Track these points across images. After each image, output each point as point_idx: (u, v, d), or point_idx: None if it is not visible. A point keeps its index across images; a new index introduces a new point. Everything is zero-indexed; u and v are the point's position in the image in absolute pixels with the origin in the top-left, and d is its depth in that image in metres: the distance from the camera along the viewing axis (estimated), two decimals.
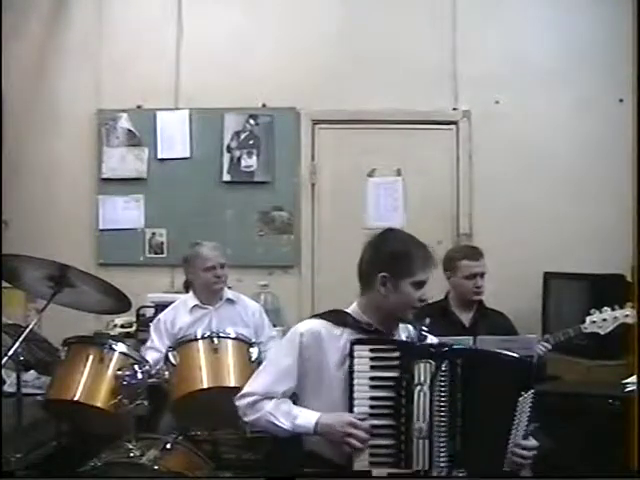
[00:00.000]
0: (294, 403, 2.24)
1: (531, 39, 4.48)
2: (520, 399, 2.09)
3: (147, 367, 2.86)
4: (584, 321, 3.10)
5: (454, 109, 4.52)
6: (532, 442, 2.15)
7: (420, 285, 2.22)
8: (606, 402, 3.14)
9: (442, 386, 2.06)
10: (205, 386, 2.89)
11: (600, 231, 4.31)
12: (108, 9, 4.66)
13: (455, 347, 2.17)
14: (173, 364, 2.92)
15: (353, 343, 2.09)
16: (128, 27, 4.65)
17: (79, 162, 4.68)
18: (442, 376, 2.07)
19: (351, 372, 2.08)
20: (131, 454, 2.68)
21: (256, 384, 2.25)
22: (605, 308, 3.08)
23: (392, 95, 4.50)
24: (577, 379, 3.62)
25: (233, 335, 3.05)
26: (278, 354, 2.30)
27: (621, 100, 4.37)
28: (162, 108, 4.62)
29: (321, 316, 2.31)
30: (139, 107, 4.66)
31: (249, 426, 2.32)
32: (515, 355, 2.21)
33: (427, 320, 2.32)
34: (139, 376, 2.78)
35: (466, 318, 3.35)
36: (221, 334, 3.03)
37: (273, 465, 2.31)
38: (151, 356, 3.27)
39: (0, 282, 3.06)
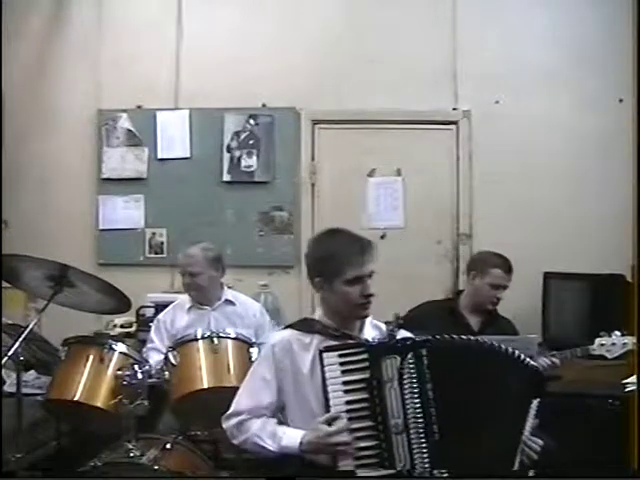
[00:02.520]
0: (281, 414, 2.27)
1: (531, 39, 4.48)
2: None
3: (147, 367, 2.86)
4: (591, 338, 3.09)
5: (454, 109, 4.52)
6: (538, 441, 2.17)
7: (355, 282, 2.22)
8: (606, 402, 3.14)
9: (411, 379, 2.07)
10: (205, 386, 2.89)
11: (600, 231, 4.31)
12: (108, 9, 4.66)
13: (419, 339, 2.16)
14: (173, 364, 2.92)
15: (321, 351, 2.11)
16: (128, 27, 4.65)
17: (79, 162, 4.68)
18: (409, 369, 2.07)
19: (323, 379, 2.09)
20: (131, 454, 2.69)
21: (240, 403, 2.29)
22: (616, 332, 3.06)
23: (392, 95, 4.50)
24: (577, 379, 3.61)
25: (233, 335, 3.06)
26: (256, 369, 2.33)
27: (621, 100, 4.37)
28: (162, 108, 4.62)
29: (291, 326, 2.36)
30: (139, 107, 4.66)
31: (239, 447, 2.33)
32: (486, 341, 2.20)
33: (398, 314, 2.31)
34: (139, 376, 2.79)
35: (475, 322, 3.33)
36: (221, 334, 3.04)
37: (273, 465, 2.30)
38: (154, 357, 3.27)
39: (0, 282, 3.07)
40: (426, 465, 2.04)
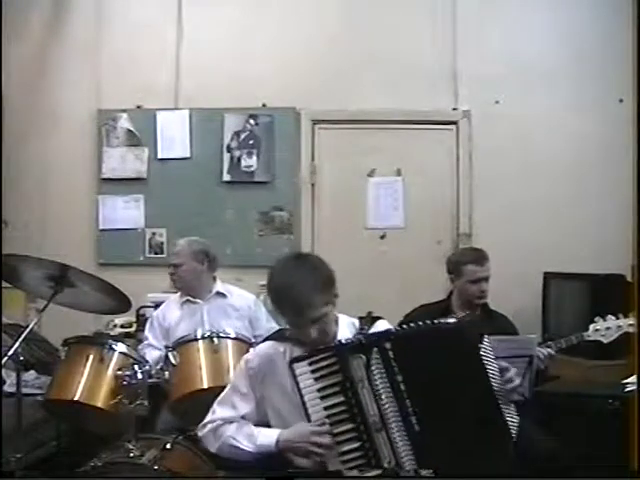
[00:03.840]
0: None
1: (531, 39, 4.49)
2: (479, 352, 2.08)
3: (147, 367, 2.86)
4: (586, 327, 3.09)
5: (454, 109, 4.52)
6: (510, 373, 2.13)
7: (306, 324, 2.10)
8: (606, 402, 3.14)
9: (380, 374, 2.06)
10: (205, 386, 2.89)
11: (600, 231, 4.31)
12: (108, 9, 4.66)
13: (380, 332, 2.16)
14: (173, 364, 2.92)
15: (291, 362, 2.10)
16: (128, 27, 4.65)
17: (79, 162, 4.68)
18: (377, 365, 2.06)
19: (299, 390, 2.08)
20: (131, 454, 2.68)
21: (214, 413, 2.28)
22: (609, 316, 3.05)
23: (392, 95, 4.50)
24: (577, 379, 3.61)
25: (233, 335, 3.06)
26: (232, 383, 2.33)
27: (621, 100, 4.37)
28: (162, 108, 4.63)
29: (268, 338, 2.38)
30: (139, 107, 4.66)
31: (216, 454, 2.32)
32: (447, 320, 2.19)
33: (371, 312, 2.29)
34: (139, 376, 2.78)
35: None
36: (221, 334, 3.04)
37: (273, 465, 2.30)
38: (150, 354, 3.28)
39: (0, 282, 3.06)
40: (411, 458, 2.04)
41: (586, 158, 4.42)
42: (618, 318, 3.04)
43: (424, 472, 2.04)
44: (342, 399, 2.07)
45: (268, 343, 2.32)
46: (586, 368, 3.67)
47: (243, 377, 2.27)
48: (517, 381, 2.13)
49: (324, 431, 2.06)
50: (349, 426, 2.06)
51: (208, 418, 2.28)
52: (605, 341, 3.05)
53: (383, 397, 2.06)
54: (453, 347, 2.09)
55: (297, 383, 2.08)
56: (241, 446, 2.18)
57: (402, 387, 2.06)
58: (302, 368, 2.08)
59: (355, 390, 2.06)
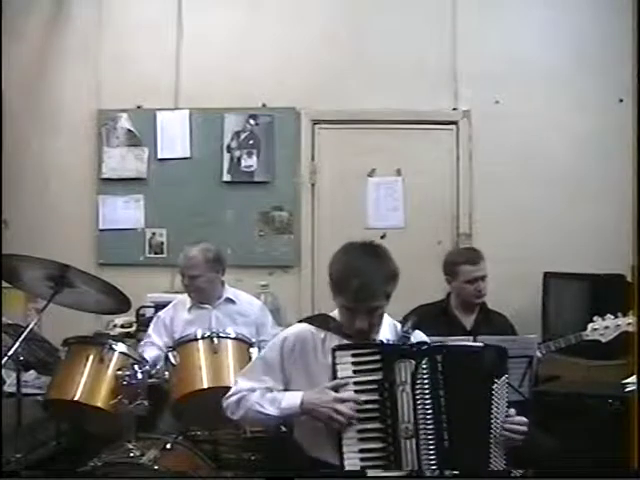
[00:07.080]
0: None
1: (531, 39, 4.48)
2: (494, 386, 2.11)
3: (147, 367, 2.86)
4: (585, 327, 3.09)
5: (454, 109, 4.52)
6: (520, 417, 2.16)
7: (347, 310, 2.18)
8: (606, 402, 3.14)
9: (423, 384, 2.07)
10: (205, 386, 2.90)
11: (600, 231, 4.31)
12: (108, 9, 4.66)
13: (435, 345, 2.18)
14: (173, 364, 2.92)
15: (334, 349, 2.11)
16: (128, 27, 4.65)
17: (79, 162, 4.68)
18: (423, 374, 2.07)
19: (335, 378, 2.10)
20: (131, 454, 2.69)
21: (241, 383, 2.29)
22: (608, 315, 3.05)
23: (392, 95, 4.49)
24: (577, 379, 3.61)
25: (233, 335, 3.06)
26: (263, 354, 2.35)
27: (621, 100, 4.37)
28: (162, 108, 4.62)
29: (306, 320, 2.36)
30: (139, 107, 4.66)
31: (239, 421, 2.36)
32: (484, 344, 2.23)
33: (411, 319, 2.31)
34: (139, 376, 2.79)
35: (468, 321, 3.34)
36: (221, 334, 3.04)
37: (273, 465, 2.31)
38: (149, 352, 3.28)
39: (0, 282, 3.07)
40: (435, 470, 2.04)
41: (586, 158, 4.41)
42: (617, 317, 3.05)
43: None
44: (376, 398, 2.08)
45: (306, 326, 2.29)
46: (586, 368, 3.67)
47: (276, 353, 2.26)
48: (515, 435, 2.13)
49: (348, 399, 2.07)
50: (377, 425, 2.07)
51: (233, 389, 2.29)
52: (604, 340, 3.05)
53: (420, 406, 2.06)
54: (494, 371, 2.13)
55: (335, 371, 2.09)
56: (265, 411, 2.19)
57: (442, 402, 2.07)
58: (344, 358, 2.09)
59: (393, 392, 2.07)
